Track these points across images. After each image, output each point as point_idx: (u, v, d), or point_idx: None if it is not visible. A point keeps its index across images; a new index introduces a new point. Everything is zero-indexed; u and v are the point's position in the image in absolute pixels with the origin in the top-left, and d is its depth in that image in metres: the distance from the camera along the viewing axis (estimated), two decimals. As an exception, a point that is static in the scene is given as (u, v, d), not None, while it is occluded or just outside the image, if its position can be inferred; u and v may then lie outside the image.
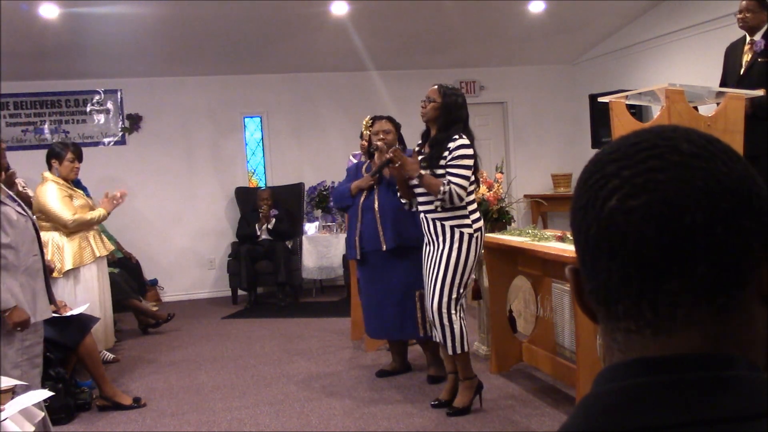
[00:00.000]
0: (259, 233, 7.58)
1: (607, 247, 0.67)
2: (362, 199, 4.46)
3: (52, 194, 4.89)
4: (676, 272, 0.64)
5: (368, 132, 4.57)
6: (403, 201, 4.06)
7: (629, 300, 0.66)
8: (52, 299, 3.72)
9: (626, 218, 0.65)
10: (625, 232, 0.65)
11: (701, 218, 0.63)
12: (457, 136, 3.74)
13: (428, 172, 3.77)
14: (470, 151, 3.75)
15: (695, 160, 0.65)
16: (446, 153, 3.74)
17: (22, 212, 3.33)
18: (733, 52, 4.72)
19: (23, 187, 5.15)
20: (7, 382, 2.60)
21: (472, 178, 3.82)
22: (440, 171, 3.74)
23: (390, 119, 4.48)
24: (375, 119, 4.54)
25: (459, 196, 3.71)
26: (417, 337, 4.50)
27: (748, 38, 4.57)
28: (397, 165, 3.80)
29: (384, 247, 4.33)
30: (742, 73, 4.56)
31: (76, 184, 5.41)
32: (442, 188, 3.69)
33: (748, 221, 0.65)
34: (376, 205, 4.38)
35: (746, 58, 4.55)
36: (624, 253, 0.65)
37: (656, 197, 0.64)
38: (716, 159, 0.66)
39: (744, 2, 4.50)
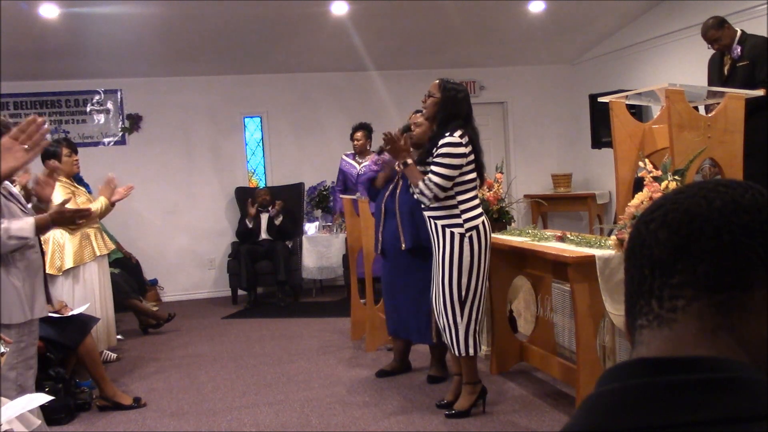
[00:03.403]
0: (250, 225, 7.54)
1: (631, 254, 0.75)
2: (386, 195, 4.41)
3: (55, 192, 4.87)
4: (680, 269, 0.70)
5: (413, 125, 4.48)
6: (412, 189, 4.03)
7: (644, 300, 0.73)
8: (49, 299, 3.71)
9: (647, 227, 0.73)
10: (644, 237, 0.73)
11: (710, 227, 0.69)
12: (448, 134, 3.69)
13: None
14: (458, 150, 3.65)
15: (721, 187, 0.72)
16: (434, 149, 3.70)
17: (24, 209, 3.34)
18: (714, 62, 5.22)
19: (23, 186, 5.15)
20: None
21: (469, 177, 3.75)
22: (429, 168, 3.71)
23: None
24: (416, 112, 4.44)
25: (434, 194, 3.64)
26: (428, 342, 4.43)
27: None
28: (387, 147, 3.79)
29: (403, 247, 4.29)
30: (726, 77, 4.99)
31: (78, 181, 5.40)
32: (420, 183, 3.66)
33: (760, 239, 0.69)
34: (397, 204, 4.33)
35: (727, 66, 5.04)
36: (641, 255, 0.73)
37: (674, 208, 0.72)
38: (742, 188, 0.72)
39: (708, 34, 5.06)
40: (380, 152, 4.24)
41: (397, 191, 4.35)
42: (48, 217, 3.19)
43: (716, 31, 5.03)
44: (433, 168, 3.66)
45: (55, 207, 3.22)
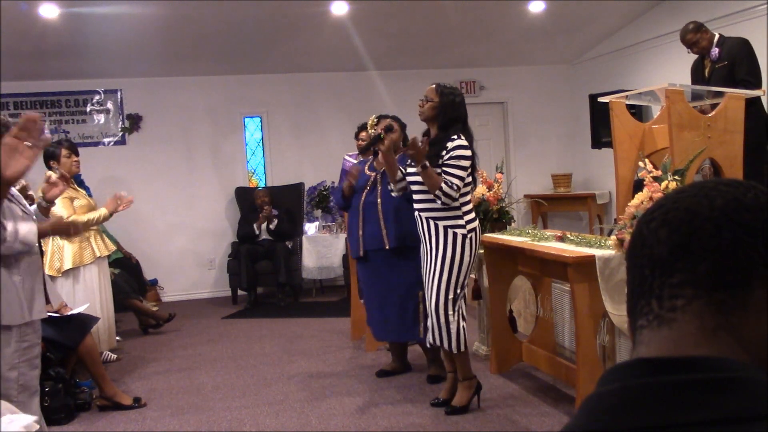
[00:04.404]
0: (258, 232, 7.58)
1: (632, 254, 0.74)
2: (364, 197, 4.44)
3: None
4: (680, 268, 0.69)
5: (373, 131, 4.56)
6: (389, 187, 4.06)
7: (644, 300, 0.72)
8: (47, 299, 3.72)
9: (648, 226, 0.73)
10: (645, 237, 0.73)
11: (711, 225, 0.68)
12: (455, 136, 3.75)
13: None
14: (468, 152, 3.74)
15: (722, 186, 0.71)
16: (444, 153, 3.74)
17: (26, 211, 3.34)
18: (695, 67, 5.43)
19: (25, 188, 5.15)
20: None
21: (468, 179, 3.81)
22: (438, 170, 3.74)
23: (395, 118, 4.47)
24: (381, 118, 4.53)
25: (451, 196, 3.71)
26: (417, 339, 4.48)
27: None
28: (385, 144, 3.80)
29: (387, 246, 4.32)
30: (707, 80, 5.16)
31: (79, 184, 5.40)
32: (443, 186, 3.69)
33: (761, 238, 0.68)
34: (378, 204, 4.36)
35: (707, 69, 5.24)
36: (641, 255, 0.72)
37: (675, 207, 0.71)
38: (744, 187, 0.71)
39: (687, 38, 5.23)
40: (366, 148, 4.30)
41: (377, 191, 4.37)
42: (48, 227, 3.24)
43: (694, 35, 5.22)
44: (451, 170, 3.71)
45: (54, 219, 3.30)
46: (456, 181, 3.70)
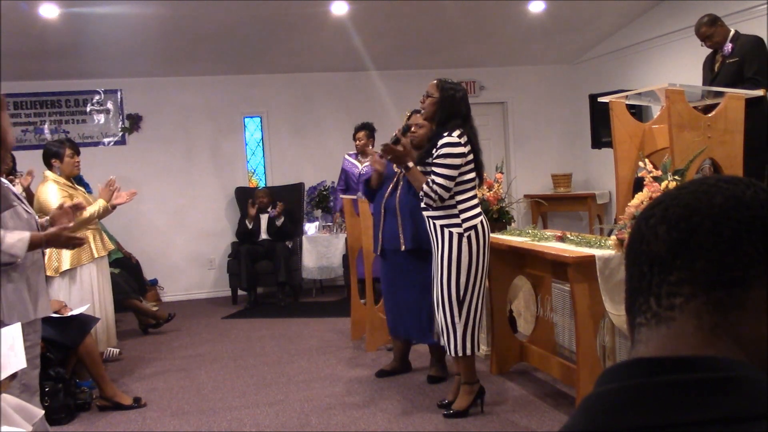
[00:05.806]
0: (250, 226, 7.54)
1: (631, 251, 0.74)
2: (386, 197, 4.41)
3: (52, 194, 4.85)
4: (678, 265, 0.69)
5: (407, 123, 4.49)
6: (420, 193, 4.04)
7: (643, 297, 0.72)
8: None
9: (647, 222, 0.72)
10: (644, 234, 0.72)
11: (710, 222, 0.68)
12: (446, 133, 3.69)
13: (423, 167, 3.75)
14: (457, 150, 3.65)
15: (722, 183, 0.71)
16: (434, 150, 3.70)
17: (28, 210, 3.34)
18: (708, 62, 5.35)
19: (24, 188, 5.15)
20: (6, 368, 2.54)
21: (468, 176, 3.74)
22: (429, 168, 3.71)
23: None
24: (414, 112, 4.44)
25: (440, 196, 3.65)
26: (428, 342, 4.44)
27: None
28: (389, 158, 3.79)
29: (403, 248, 4.30)
30: (715, 75, 5.11)
31: (78, 181, 5.39)
32: (424, 186, 3.67)
33: (760, 235, 0.68)
34: (397, 205, 4.33)
35: (717, 64, 5.16)
36: (640, 252, 0.72)
37: (674, 203, 0.71)
38: (744, 185, 0.71)
39: (701, 30, 5.16)
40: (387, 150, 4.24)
41: (398, 191, 4.34)
42: (43, 237, 3.16)
43: (708, 28, 5.14)
44: (435, 170, 3.66)
45: (53, 230, 3.20)
46: (442, 181, 3.64)
